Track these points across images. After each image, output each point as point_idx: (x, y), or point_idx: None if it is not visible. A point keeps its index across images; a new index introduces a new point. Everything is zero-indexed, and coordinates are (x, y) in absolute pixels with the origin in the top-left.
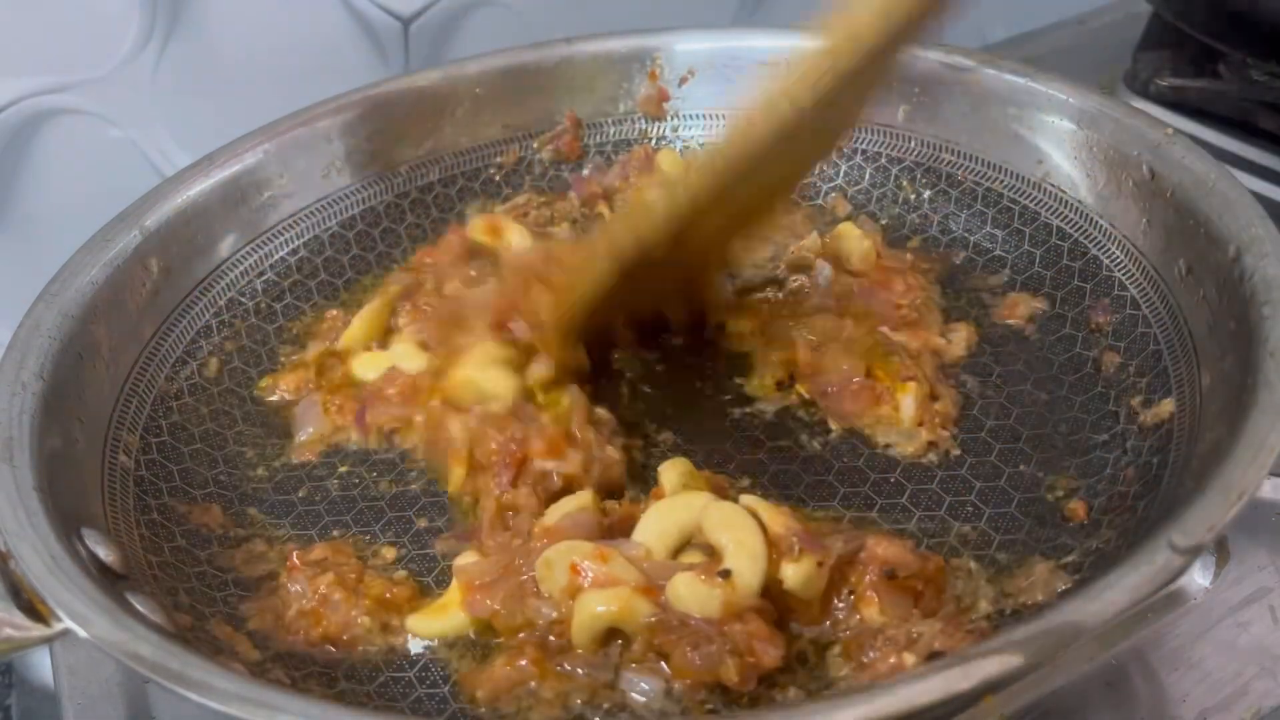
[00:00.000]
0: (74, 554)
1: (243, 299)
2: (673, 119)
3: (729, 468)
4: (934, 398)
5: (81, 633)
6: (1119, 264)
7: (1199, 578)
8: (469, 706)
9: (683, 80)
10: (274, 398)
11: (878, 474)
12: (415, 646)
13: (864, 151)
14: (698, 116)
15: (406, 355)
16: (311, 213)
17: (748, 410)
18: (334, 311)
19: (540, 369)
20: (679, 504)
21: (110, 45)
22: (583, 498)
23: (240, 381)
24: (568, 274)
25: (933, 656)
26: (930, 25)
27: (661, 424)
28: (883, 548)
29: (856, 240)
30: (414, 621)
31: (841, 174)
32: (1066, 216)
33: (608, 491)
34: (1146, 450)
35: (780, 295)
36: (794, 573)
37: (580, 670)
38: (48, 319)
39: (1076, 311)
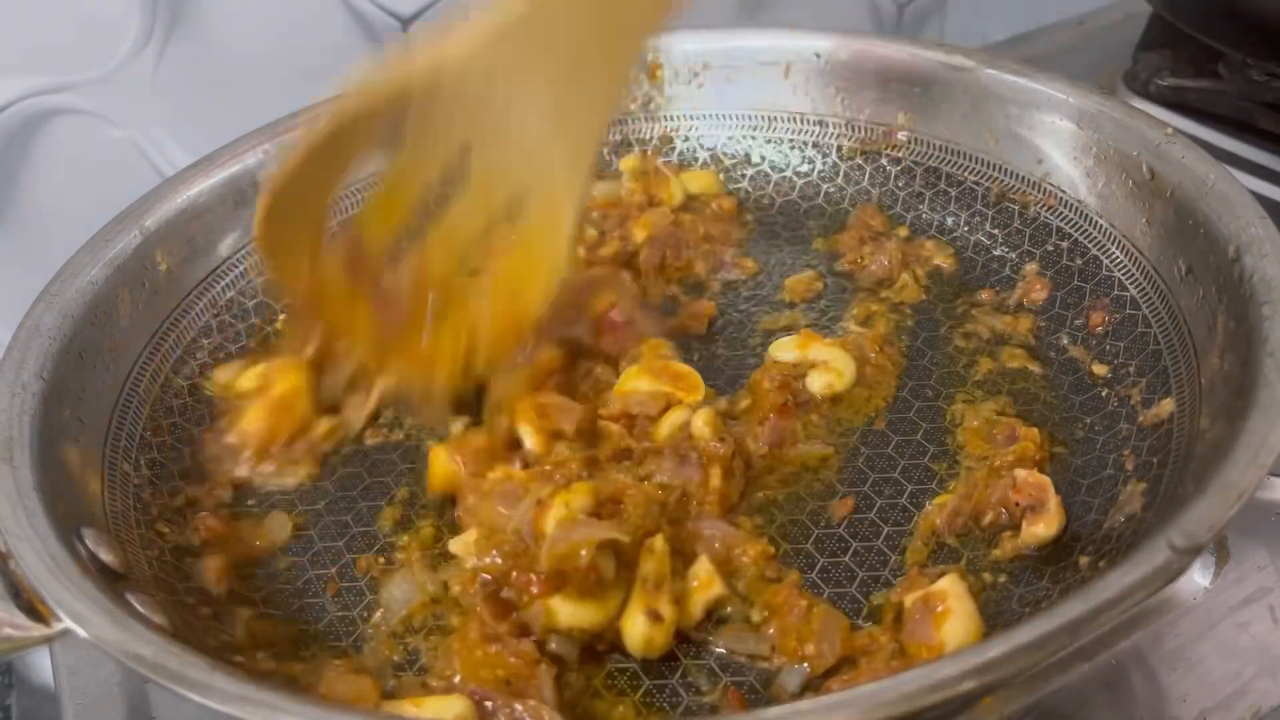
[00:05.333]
0: (74, 554)
1: (243, 299)
2: (670, 120)
3: None
4: None
5: (81, 633)
6: (1119, 264)
7: (1199, 578)
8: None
9: (685, 80)
10: None
11: (878, 474)
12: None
13: (864, 152)
14: (696, 117)
15: None
16: None
17: None
18: None
19: None
20: None
21: (110, 45)
22: None
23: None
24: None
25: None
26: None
27: None
28: None
29: None
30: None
31: (841, 174)
32: (1066, 216)
33: None
34: (1146, 450)
35: None
36: None
37: None
38: (48, 319)
39: (1076, 311)
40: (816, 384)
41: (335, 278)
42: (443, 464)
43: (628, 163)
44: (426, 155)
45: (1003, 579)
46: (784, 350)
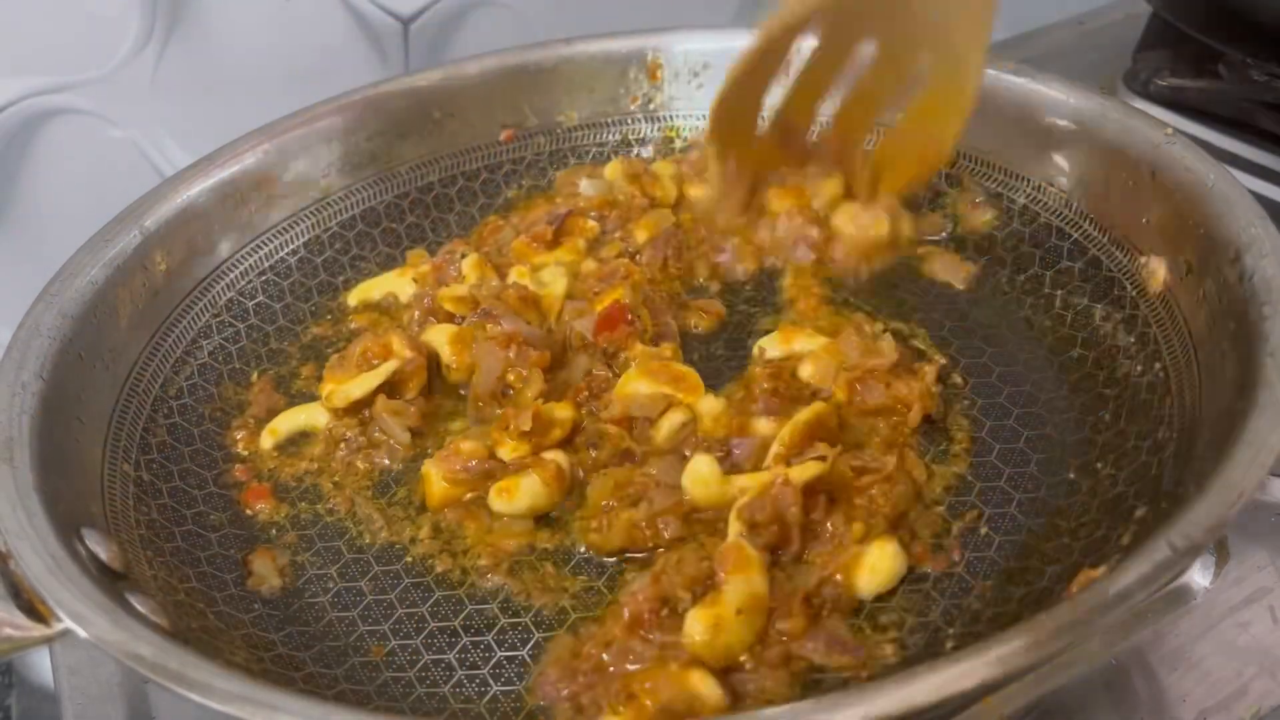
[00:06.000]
0: (74, 554)
1: (243, 299)
2: (670, 120)
3: None
4: None
5: (81, 633)
6: (1119, 264)
7: (1199, 578)
8: (470, 707)
9: (685, 80)
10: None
11: None
12: None
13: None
14: (696, 117)
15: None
16: (311, 213)
17: None
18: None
19: None
20: None
21: (110, 45)
22: None
23: (240, 381)
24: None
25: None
26: None
27: None
28: None
29: None
30: None
31: None
32: (1066, 216)
33: None
34: (1146, 450)
35: None
36: None
37: None
38: (48, 319)
39: (1077, 311)
40: (806, 372)
41: (768, 149)
42: (438, 485)
43: (615, 167)
44: (839, 50)
45: (1003, 580)
46: (771, 346)
